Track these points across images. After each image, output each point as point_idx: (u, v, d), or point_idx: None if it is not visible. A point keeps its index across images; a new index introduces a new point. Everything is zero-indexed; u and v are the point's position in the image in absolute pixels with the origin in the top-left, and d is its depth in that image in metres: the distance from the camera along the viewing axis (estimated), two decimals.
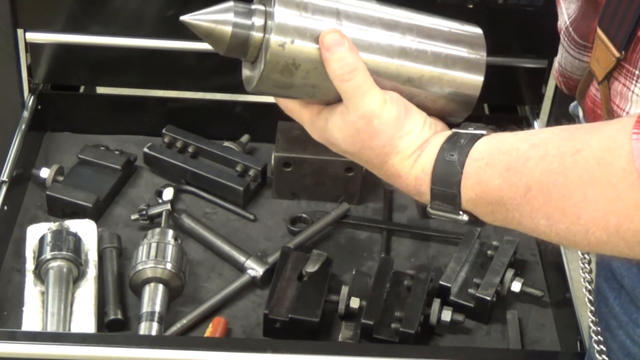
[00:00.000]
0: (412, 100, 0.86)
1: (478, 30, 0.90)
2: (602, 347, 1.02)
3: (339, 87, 0.83)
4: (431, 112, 0.87)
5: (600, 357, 1.02)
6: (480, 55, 0.88)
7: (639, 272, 0.93)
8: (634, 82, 0.82)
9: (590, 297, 1.06)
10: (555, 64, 1.03)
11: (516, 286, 1.41)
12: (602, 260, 1.01)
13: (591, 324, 1.04)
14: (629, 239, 0.70)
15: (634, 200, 0.68)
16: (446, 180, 0.81)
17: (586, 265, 1.08)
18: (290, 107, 0.90)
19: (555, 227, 0.75)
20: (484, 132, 0.83)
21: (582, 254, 1.07)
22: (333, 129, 0.86)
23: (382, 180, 0.88)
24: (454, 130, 0.85)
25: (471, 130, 0.83)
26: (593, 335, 1.04)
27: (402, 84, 0.86)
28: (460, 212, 0.83)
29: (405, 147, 0.84)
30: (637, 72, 0.82)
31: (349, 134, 0.85)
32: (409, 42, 0.86)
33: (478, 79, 0.88)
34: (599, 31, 0.85)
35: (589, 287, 1.07)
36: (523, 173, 0.76)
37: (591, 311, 1.05)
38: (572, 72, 0.99)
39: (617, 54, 0.82)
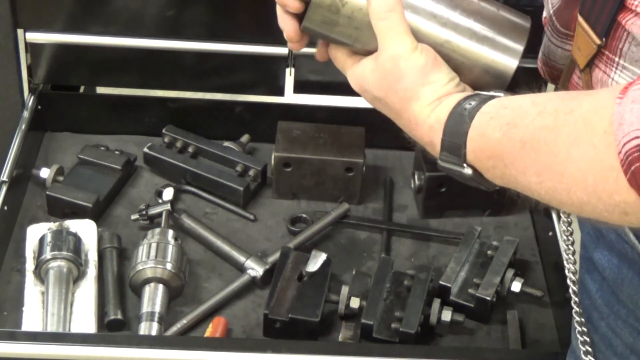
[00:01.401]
0: (449, 63, 0.92)
1: (526, 23, 0.96)
2: (585, 337, 1.04)
3: (375, 26, 0.90)
4: (467, 79, 0.93)
5: (583, 348, 1.04)
6: (519, 44, 0.94)
7: (619, 263, 0.94)
8: (613, 69, 0.84)
9: (574, 288, 1.07)
10: (540, 54, 1.04)
11: (516, 286, 1.41)
12: (585, 252, 1.02)
13: (575, 315, 1.06)
14: (606, 200, 0.72)
15: (610, 161, 0.70)
16: (455, 130, 0.85)
17: (570, 256, 1.09)
18: (338, 55, 0.97)
19: (544, 184, 0.77)
20: (501, 94, 0.87)
21: (567, 245, 1.10)
22: (367, 73, 0.93)
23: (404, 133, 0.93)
24: (476, 92, 0.90)
25: (491, 93, 0.88)
26: (577, 326, 1.05)
27: (440, 46, 0.92)
28: (465, 165, 0.85)
29: (426, 95, 0.89)
30: (616, 59, 0.83)
31: (378, 77, 0.91)
32: (453, 10, 0.93)
33: (512, 63, 0.94)
34: (580, 19, 0.86)
35: (573, 277, 1.08)
36: (520, 128, 0.79)
37: (575, 302, 1.06)
38: (555, 62, 1.00)
39: (597, 41, 0.84)
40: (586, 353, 1.03)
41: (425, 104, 0.89)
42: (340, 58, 0.97)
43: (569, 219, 1.09)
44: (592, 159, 0.72)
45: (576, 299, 1.06)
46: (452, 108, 0.86)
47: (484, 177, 0.85)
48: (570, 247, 1.09)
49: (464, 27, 0.93)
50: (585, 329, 1.04)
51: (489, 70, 0.94)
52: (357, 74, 0.94)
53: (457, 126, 0.85)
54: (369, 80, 0.92)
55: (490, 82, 0.94)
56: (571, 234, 1.10)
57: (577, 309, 1.06)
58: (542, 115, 0.77)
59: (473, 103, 0.85)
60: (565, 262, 1.10)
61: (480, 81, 0.94)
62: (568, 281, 1.09)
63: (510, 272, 1.42)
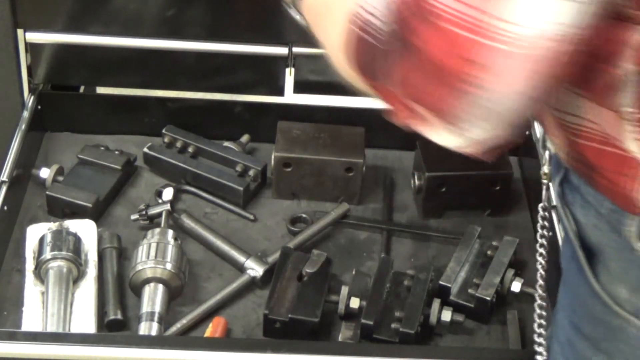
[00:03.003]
0: None
1: None
2: (542, 321, 1.12)
3: None
4: None
5: (538, 340, 1.12)
6: None
7: (569, 256, 1.00)
8: None
9: (541, 283, 1.14)
10: None
11: (516, 286, 1.41)
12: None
13: (536, 307, 1.14)
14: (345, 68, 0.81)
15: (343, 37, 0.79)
16: None
17: (543, 251, 1.15)
18: None
19: (323, 42, 0.86)
20: None
21: (540, 240, 1.15)
22: None
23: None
24: None
25: None
26: (536, 318, 1.12)
27: None
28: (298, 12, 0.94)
29: None
30: None
31: None
32: None
33: None
34: None
35: (542, 272, 1.15)
36: None
37: (539, 296, 1.14)
38: None
39: None
40: (539, 344, 1.12)
41: None
42: None
43: (545, 210, 1.15)
44: (340, 29, 0.79)
45: (542, 294, 1.14)
46: None
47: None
48: (543, 241, 1.15)
49: None
50: (543, 322, 1.12)
51: None
52: None
53: None
54: None
55: None
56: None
57: (540, 302, 1.14)
58: None
59: None
60: (537, 256, 1.15)
61: None
62: (537, 276, 1.15)
63: (510, 272, 1.42)
